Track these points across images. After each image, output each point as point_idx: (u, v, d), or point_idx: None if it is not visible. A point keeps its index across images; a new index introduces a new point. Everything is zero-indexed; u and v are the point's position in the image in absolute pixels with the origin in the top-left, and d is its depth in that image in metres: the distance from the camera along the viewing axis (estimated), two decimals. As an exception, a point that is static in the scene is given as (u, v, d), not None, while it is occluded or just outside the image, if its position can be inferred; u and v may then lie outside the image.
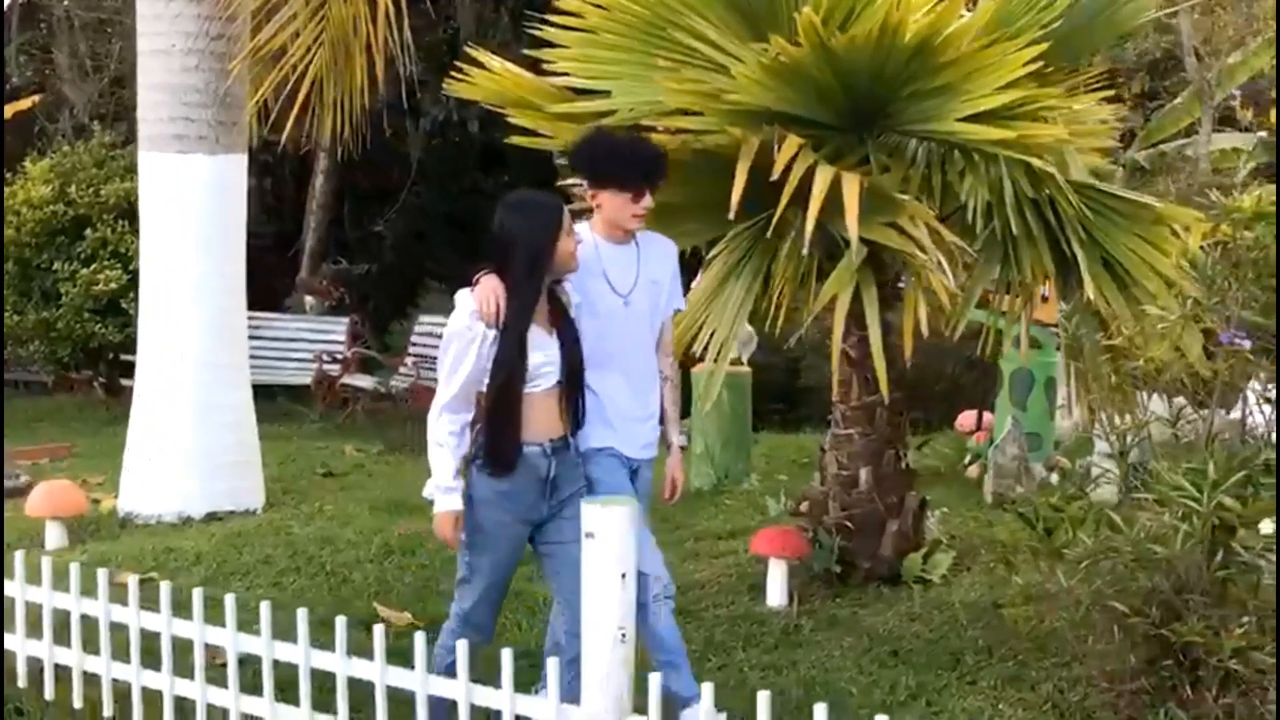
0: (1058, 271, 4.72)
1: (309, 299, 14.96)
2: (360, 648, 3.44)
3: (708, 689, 2.88)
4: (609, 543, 3.15)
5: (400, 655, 3.44)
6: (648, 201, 3.79)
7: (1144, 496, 3.93)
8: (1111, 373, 4.13)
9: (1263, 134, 11.97)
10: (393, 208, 15.82)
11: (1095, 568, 3.79)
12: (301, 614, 3.47)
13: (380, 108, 9.84)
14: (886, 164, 4.61)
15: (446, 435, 3.55)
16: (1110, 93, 5.31)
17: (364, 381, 10.32)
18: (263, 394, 12.35)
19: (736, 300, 4.64)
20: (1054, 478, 6.69)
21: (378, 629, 3.40)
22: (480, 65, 4.85)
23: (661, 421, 3.97)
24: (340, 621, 3.40)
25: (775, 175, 4.01)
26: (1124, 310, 4.50)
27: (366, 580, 5.46)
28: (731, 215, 4.11)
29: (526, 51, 5.06)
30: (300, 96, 6.84)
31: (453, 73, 4.93)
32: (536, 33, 4.90)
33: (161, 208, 6.76)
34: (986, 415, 7.36)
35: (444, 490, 3.57)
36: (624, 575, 3.15)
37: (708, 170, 4.49)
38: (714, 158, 4.46)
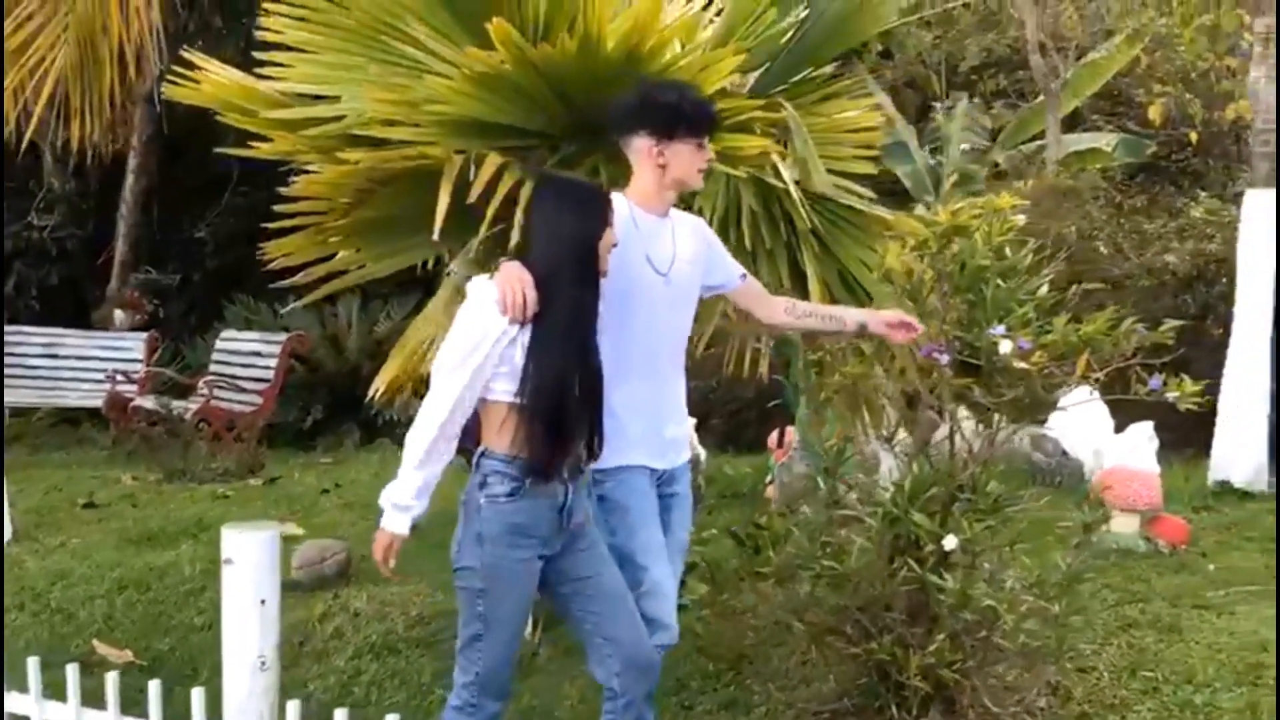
0: (795, 284, 5.08)
1: (119, 312, 14.95)
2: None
3: None
4: (248, 569, 3.42)
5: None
6: (709, 149, 3.70)
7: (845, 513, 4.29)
8: (819, 388, 4.47)
9: (1124, 135, 12.62)
10: (215, 210, 15.86)
11: (789, 586, 4.13)
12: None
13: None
14: (616, 175, 4.91)
15: (426, 450, 3.28)
16: (871, 100, 5.71)
17: (151, 403, 10.41)
18: (65, 418, 12.46)
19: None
20: (854, 496, 7.04)
21: (31, 663, 3.61)
22: (196, 67, 5.06)
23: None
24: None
25: (472, 197, 4.27)
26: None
27: (93, 616, 5.64)
28: (435, 236, 4.30)
29: (254, 54, 5.28)
30: (45, 95, 6.98)
31: (169, 76, 5.14)
32: (262, 34, 5.12)
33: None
34: (790, 432, 7.72)
35: (397, 507, 3.33)
36: (263, 601, 3.42)
37: (430, 182, 4.74)
38: (431, 170, 4.70)
